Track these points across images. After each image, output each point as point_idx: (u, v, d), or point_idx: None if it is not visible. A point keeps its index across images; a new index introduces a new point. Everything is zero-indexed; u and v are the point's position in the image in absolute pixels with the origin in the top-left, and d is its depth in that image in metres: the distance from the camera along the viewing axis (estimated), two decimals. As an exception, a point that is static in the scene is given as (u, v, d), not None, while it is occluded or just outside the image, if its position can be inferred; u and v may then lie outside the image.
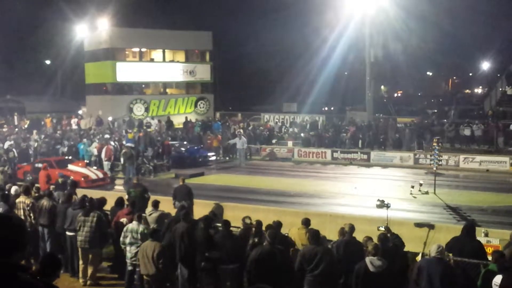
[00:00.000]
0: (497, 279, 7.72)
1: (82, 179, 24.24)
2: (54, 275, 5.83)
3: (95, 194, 16.44)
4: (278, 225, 10.98)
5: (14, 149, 27.57)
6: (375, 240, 9.80)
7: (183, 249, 10.78)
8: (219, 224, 11.65)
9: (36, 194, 14.49)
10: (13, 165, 26.19)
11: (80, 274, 12.07)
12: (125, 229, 11.33)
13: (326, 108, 58.01)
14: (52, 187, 18.32)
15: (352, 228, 10.44)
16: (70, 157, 27.72)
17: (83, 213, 11.92)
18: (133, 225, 11.26)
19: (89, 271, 11.94)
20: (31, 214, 13.07)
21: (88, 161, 27.68)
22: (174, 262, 11.07)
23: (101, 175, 25.61)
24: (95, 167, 27.02)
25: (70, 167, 25.62)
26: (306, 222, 11.22)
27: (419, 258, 10.10)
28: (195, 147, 32.79)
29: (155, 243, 10.28)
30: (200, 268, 10.55)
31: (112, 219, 12.91)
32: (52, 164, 25.07)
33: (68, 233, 12.48)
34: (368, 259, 8.59)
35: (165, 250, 10.43)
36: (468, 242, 9.88)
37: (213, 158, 32.68)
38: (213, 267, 10.44)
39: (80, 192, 15.79)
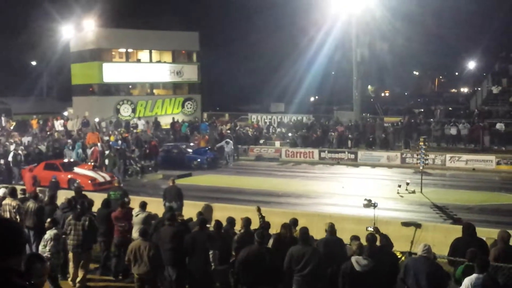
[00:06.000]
0: (467, 281, 7.71)
1: (90, 182, 23.64)
2: (40, 276, 5.54)
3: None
4: (293, 223, 11.07)
5: (20, 152, 27.03)
6: (363, 239, 9.79)
7: (177, 252, 10.52)
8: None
9: (22, 196, 14.36)
10: (18, 169, 25.68)
11: (71, 277, 11.97)
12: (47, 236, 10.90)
13: (313, 108, 58.13)
14: (39, 189, 18.22)
15: (331, 227, 10.43)
16: (74, 160, 27.18)
17: (74, 216, 11.77)
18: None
19: (80, 274, 11.85)
20: (17, 217, 12.95)
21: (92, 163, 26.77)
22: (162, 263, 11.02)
23: (108, 178, 24.41)
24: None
25: (77, 170, 25.09)
26: (294, 223, 11.24)
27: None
28: (203, 149, 32.42)
29: (148, 243, 10.19)
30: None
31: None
32: (58, 167, 24.71)
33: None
34: (353, 259, 8.60)
35: (159, 250, 10.37)
36: (473, 242, 9.69)
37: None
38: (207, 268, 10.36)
39: (70, 195, 15.64)
